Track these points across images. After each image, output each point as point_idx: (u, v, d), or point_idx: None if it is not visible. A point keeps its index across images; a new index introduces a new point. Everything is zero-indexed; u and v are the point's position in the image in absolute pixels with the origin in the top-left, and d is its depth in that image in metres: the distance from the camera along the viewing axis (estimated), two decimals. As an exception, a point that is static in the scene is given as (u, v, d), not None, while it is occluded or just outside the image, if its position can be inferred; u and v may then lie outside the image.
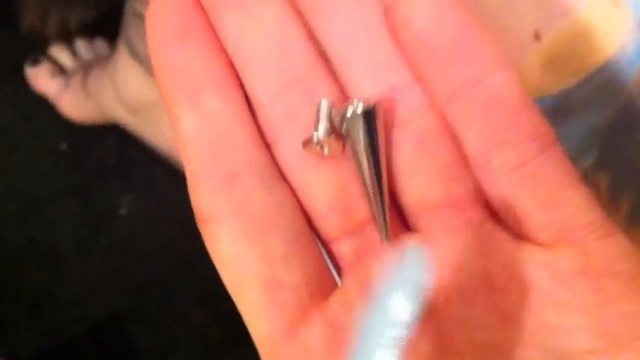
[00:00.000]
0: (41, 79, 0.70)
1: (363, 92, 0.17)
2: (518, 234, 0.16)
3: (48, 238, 0.67)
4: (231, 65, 0.18)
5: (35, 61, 0.71)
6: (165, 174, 0.68)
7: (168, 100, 0.17)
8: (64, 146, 0.70)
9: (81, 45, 0.72)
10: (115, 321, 0.65)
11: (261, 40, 0.17)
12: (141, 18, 0.51)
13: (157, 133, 0.65)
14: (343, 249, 0.18)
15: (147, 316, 0.66)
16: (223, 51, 0.18)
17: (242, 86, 0.18)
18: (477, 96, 0.16)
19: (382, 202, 0.17)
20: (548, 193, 0.16)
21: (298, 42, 0.17)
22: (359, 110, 0.16)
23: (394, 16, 0.16)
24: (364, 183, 0.17)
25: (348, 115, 0.16)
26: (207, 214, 0.17)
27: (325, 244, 0.18)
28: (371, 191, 0.17)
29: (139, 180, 0.69)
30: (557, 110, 0.23)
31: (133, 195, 0.69)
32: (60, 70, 0.71)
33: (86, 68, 0.68)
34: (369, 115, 0.16)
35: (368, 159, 0.17)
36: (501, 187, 0.16)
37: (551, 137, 0.16)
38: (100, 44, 0.73)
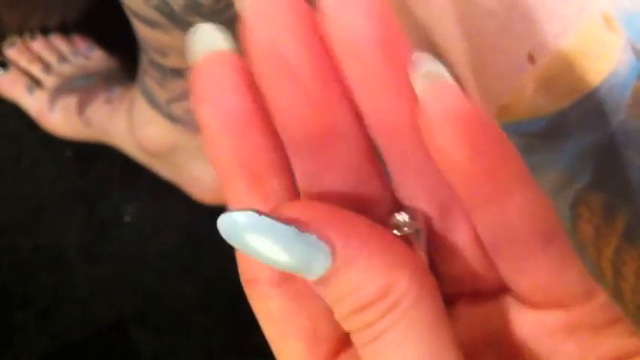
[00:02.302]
0: (14, 91, 0.69)
1: (412, 201, 0.18)
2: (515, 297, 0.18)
3: (54, 243, 0.67)
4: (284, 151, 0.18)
5: (3, 65, 0.70)
6: (170, 181, 0.68)
7: (230, 187, 0.18)
8: (69, 152, 0.70)
9: (56, 40, 0.72)
10: (119, 325, 0.65)
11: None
12: (158, 67, 0.51)
13: (173, 173, 0.66)
14: None
15: (150, 321, 0.66)
16: (278, 136, 0.18)
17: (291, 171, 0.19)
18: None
19: None
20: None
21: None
22: (408, 230, 0.17)
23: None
24: None
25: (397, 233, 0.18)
26: (257, 281, 0.18)
27: None
28: None
29: (145, 187, 0.69)
30: (551, 131, 0.23)
31: (139, 202, 0.69)
32: (34, 81, 0.70)
33: (81, 93, 0.67)
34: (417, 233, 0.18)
35: None
36: (504, 269, 0.18)
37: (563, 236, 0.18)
38: (78, 41, 0.73)
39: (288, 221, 0.15)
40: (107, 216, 0.69)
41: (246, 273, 0.18)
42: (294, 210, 0.15)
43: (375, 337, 0.15)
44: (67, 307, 0.65)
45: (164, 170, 0.66)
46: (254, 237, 0.15)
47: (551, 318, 0.18)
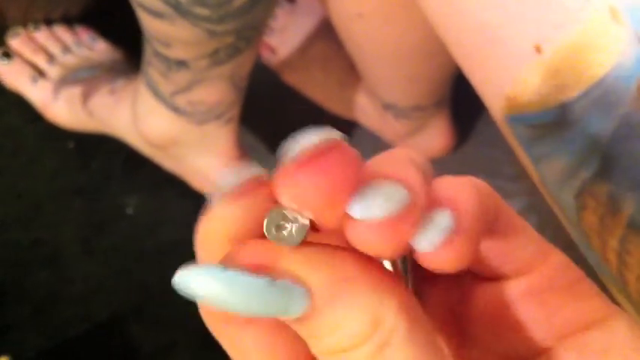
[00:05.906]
0: (18, 81, 0.69)
1: None
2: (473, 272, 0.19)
3: (52, 238, 0.67)
4: None
5: (7, 56, 0.70)
6: (171, 174, 0.68)
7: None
8: (71, 144, 0.70)
9: (60, 30, 0.72)
10: (117, 321, 0.65)
11: None
12: (162, 58, 0.51)
13: (176, 165, 0.66)
14: None
15: (148, 316, 0.66)
16: None
17: None
18: None
19: None
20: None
21: None
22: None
23: None
24: None
25: None
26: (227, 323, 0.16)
27: None
28: None
29: (146, 180, 0.69)
30: (557, 122, 0.24)
31: (139, 195, 0.69)
32: (37, 71, 0.70)
33: (85, 84, 0.67)
34: None
35: None
36: None
37: None
38: (82, 32, 0.73)
39: (259, 271, 0.13)
40: (109, 208, 0.69)
41: (209, 316, 0.16)
42: (263, 253, 0.14)
43: None
44: (65, 303, 0.65)
45: (167, 162, 0.66)
46: (220, 293, 0.13)
47: (511, 287, 0.18)
